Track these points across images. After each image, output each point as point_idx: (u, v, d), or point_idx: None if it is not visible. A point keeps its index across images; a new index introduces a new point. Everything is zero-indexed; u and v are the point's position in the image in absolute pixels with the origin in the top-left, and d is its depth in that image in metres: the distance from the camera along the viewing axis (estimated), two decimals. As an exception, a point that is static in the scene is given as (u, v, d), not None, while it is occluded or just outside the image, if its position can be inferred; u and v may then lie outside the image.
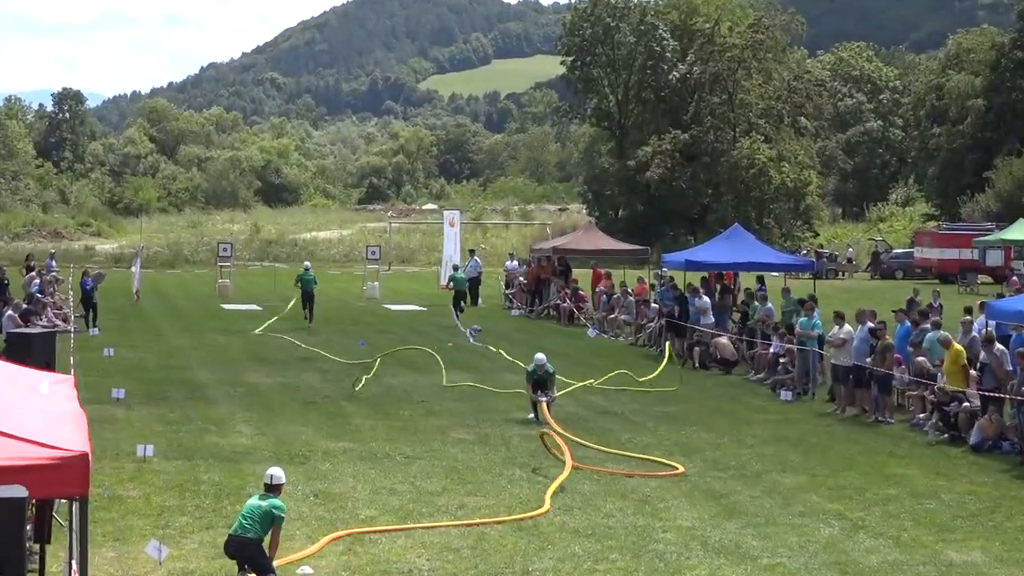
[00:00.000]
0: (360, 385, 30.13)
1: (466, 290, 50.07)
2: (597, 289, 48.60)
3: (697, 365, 35.31)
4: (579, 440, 23.40)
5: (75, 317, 41.56)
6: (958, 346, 26.14)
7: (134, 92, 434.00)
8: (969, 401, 24.96)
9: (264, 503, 14.39)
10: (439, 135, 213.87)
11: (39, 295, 39.26)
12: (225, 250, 60.78)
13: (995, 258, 68.99)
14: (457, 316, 46.19)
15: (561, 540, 17.31)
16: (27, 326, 31.70)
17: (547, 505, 18.94)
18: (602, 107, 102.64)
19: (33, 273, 45.98)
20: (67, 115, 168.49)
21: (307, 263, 52.48)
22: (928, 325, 28.41)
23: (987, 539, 17.88)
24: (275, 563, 14.44)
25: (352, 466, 21.56)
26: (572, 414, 27.14)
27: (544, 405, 25.53)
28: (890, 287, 66.02)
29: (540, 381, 26.28)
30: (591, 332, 44.02)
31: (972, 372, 25.61)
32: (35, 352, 23.69)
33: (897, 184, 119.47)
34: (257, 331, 42.55)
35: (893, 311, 31.31)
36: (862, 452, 23.85)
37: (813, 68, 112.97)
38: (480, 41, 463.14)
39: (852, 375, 28.06)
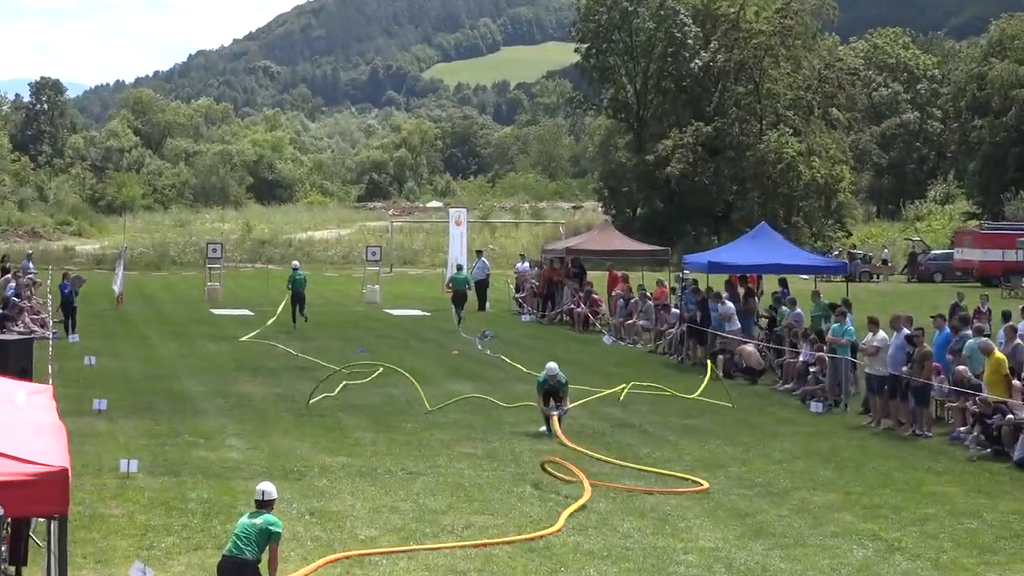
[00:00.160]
0: (314, 398, 29.82)
1: (466, 290, 50.09)
2: (613, 293, 48.55)
3: (721, 375, 35.26)
4: (594, 454, 23.39)
5: (54, 323, 41.56)
6: (1000, 354, 26.11)
7: (117, 81, 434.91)
8: (1013, 413, 24.90)
9: (258, 520, 14.37)
10: (444, 128, 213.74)
11: (15, 299, 39.23)
12: (215, 251, 60.77)
13: (1041, 259, 68.93)
14: (457, 319, 46.24)
15: (575, 562, 17.30)
16: (2, 332, 31.71)
17: (560, 524, 18.91)
18: (619, 98, 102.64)
19: (9, 275, 45.97)
20: (45, 106, 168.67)
21: (295, 262, 52.93)
22: (969, 331, 28.33)
23: (1033, 561, 17.87)
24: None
25: (351, 482, 21.56)
26: (586, 427, 27.13)
27: (556, 419, 25.53)
28: (928, 291, 65.99)
29: (552, 391, 26.26)
30: (607, 339, 43.99)
31: (1016, 382, 25.56)
32: (11, 360, 23.74)
33: (936, 180, 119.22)
34: (245, 337, 42.54)
35: (932, 316, 31.25)
36: (898, 468, 23.82)
37: (845, 56, 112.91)
38: (488, 27, 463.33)
39: (887, 385, 28.01)
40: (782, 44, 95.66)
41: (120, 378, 33.18)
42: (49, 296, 47.25)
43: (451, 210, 74.21)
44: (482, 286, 54.74)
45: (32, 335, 33.18)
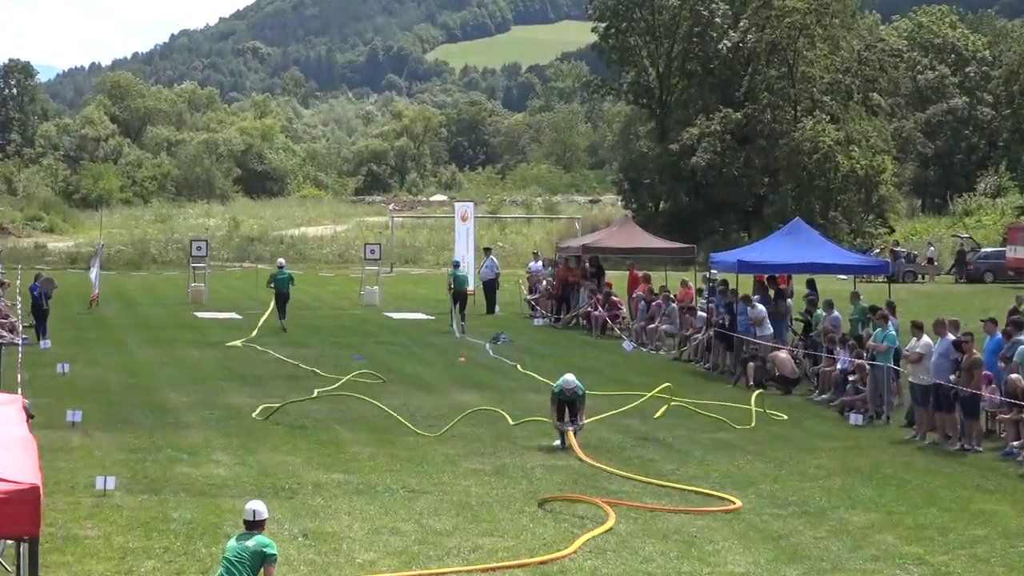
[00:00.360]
0: (258, 413, 29.80)
1: (465, 290, 50.17)
2: (634, 294, 48.55)
3: (751, 383, 35.21)
4: (615, 470, 23.37)
5: (23, 327, 41.61)
6: (1055, 361, 26.07)
7: (93, 64, 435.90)
8: (1071, 426, 24.90)
9: (250, 543, 14.39)
10: (449, 114, 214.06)
11: (-19, 302, 39.34)
12: (199, 249, 60.91)
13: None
14: (456, 321, 46.27)
15: (592, 588, 17.29)
16: (-32, 337, 31.77)
17: (574, 546, 18.90)
18: (640, 81, 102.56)
19: (-26, 276, 46.08)
20: (14, 91, 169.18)
21: (281, 260, 53.25)
22: (1022, 336, 28.24)
23: (1092, 588, 17.85)
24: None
25: (347, 501, 21.57)
26: (606, 441, 27.13)
27: (571, 434, 25.53)
28: (979, 292, 65.87)
29: (568, 403, 26.26)
30: (627, 345, 44.00)
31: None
32: (-23, 368, 23.77)
33: (986, 172, 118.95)
34: (237, 343, 42.61)
35: (982, 320, 31.12)
36: (945, 485, 23.79)
37: (888, 35, 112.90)
38: (497, 4, 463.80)
39: (933, 395, 27.97)
40: (818, 23, 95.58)
41: (96, 388, 33.22)
42: (19, 298, 47.28)
43: (457, 204, 74.26)
44: (491, 287, 54.79)
45: (0, 341, 33.24)
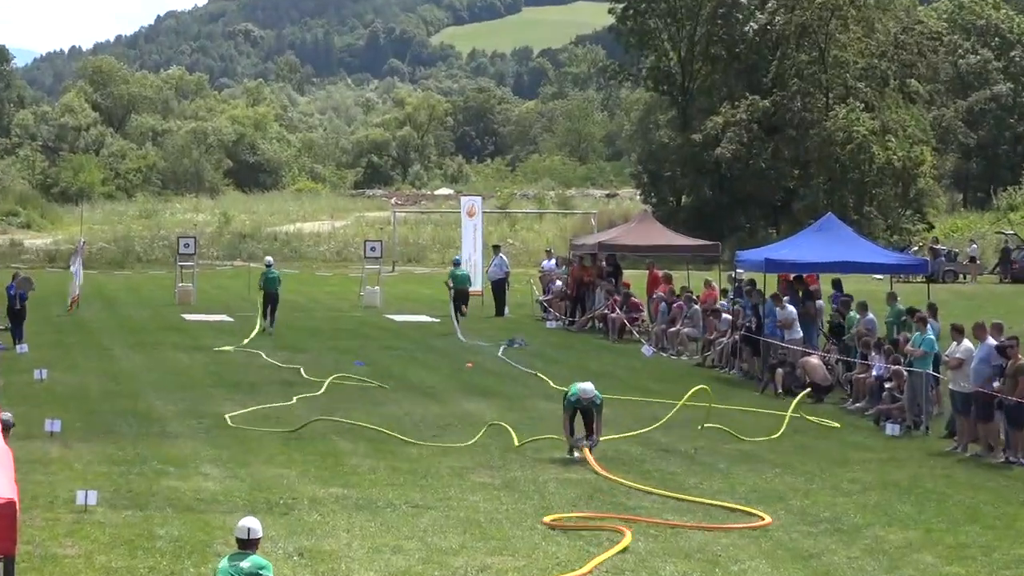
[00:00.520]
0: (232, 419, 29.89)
1: (467, 290, 50.21)
2: (654, 295, 48.56)
3: (780, 391, 35.18)
4: (634, 484, 23.36)
5: (-1, 330, 41.74)
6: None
7: (73, 48, 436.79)
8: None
9: (245, 563, 14.39)
10: (456, 102, 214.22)
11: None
12: (187, 246, 60.96)
13: None
14: (457, 323, 46.33)
15: (608, 611, 17.29)
16: (-61, 341, 31.85)
17: (589, 566, 18.90)
18: (661, 67, 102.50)
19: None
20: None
21: (269, 258, 53.32)
22: (1072, 341, 28.23)
23: None
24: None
25: (346, 517, 21.57)
26: (623, 452, 27.12)
27: (587, 450, 25.52)
28: (1024, 293, 65.85)
29: (584, 412, 26.21)
30: (646, 349, 44.00)
31: None
32: (-51, 374, 23.82)
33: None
34: (229, 348, 42.67)
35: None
36: (988, 501, 23.77)
37: (926, 17, 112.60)
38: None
39: (974, 404, 27.93)
40: (852, 3, 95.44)
41: (76, 395, 33.25)
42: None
43: (463, 198, 74.36)
44: (500, 288, 54.77)
45: (-26, 345, 33.31)
